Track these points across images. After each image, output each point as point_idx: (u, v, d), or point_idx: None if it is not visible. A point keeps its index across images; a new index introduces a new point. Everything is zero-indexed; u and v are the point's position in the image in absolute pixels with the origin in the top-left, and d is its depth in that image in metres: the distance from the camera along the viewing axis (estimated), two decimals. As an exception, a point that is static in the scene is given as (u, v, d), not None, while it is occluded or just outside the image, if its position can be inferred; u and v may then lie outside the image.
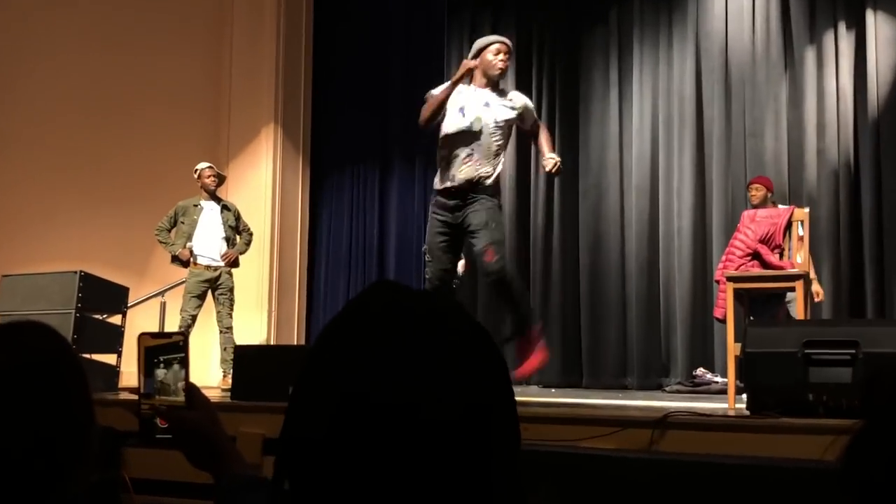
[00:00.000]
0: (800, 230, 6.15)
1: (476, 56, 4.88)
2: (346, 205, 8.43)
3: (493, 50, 4.89)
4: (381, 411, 0.71)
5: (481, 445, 0.73)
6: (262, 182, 8.30)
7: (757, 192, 6.63)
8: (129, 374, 6.74)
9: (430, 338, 0.75)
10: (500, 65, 4.87)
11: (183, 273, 7.09)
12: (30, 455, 1.02)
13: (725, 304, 5.23)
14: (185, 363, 1.23)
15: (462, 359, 0.75)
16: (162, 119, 8.60)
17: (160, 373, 1.23)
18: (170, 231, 7.06)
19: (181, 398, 1.21)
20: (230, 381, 5.89)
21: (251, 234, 7.25)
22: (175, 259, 6.99)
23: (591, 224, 8.78)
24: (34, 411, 1.05)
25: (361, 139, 8.40)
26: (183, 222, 7.03)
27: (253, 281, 8.01)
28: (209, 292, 6.96)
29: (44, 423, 1.05)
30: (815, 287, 6.59)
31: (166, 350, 1.23)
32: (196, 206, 7.07)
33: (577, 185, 8.91)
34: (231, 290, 7.02)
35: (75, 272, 6.18)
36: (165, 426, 1.21)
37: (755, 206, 6.57)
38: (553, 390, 7.90)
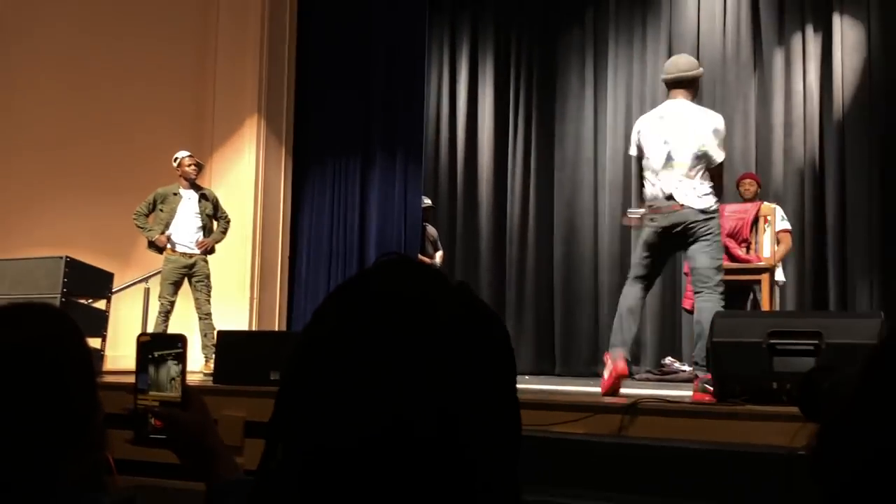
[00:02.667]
0: (781, 222, 6.18)
1: None
2: (327, 197, 8.30)
3: None
4: (366, 405, 0.67)
5: (473, 443, 0.68)
6: (245, 172, 8.14)
7: (750, 187, 6.68)
8: (114, 359, 6.69)
9: (426, 324, 0.70)
10: None
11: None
12: (30, 437, 1.00)
13: (694, 295, 5.24)
14: (181, 360, 1.20)
15: (460, 351, 0.69)
16: (146, 108, 8.42)
17: (157, 368, 1.20)
18: (147, 216, 6.97)
19: (175, 394, 1.18)
20: (212, 365, 5.90)
21: (228, 222, 7.15)
22: (151, 245, 6.92)
23: (566, 217, 8.79)
24: (37, 393, 1.02)
25: (343, 132, 8.24)
26: (161, 209, 6.93)
27: (236, 269, 7.89)
28: (186, 279, 6.89)
29: (46, 405, 1.02)
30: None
31: (162, 345, 1.20)
32: (175, 194, 6.97)
33: (552, 179, 8.92)
34: (207, 276, 6.93)
35: (61, 257, 6.10)
36: (160, 426, 1.18)
37: (748, 200, 6.59)
38: (526, 377, 7.83)
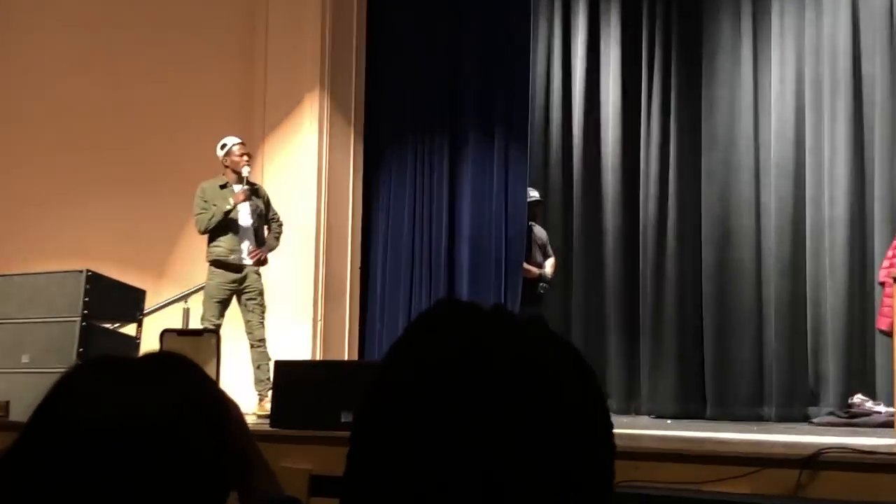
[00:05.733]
0: None
1: None
2: (407, 190, 8.46)
3: None
4: (454, 470, 0.77)
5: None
6: (305, 161, 8.26)
7: None
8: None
9: (504, 382, 0.80)
10: None
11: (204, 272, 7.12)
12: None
13: (892, 312, 5.13)
14: (216, 361, 1.17)
15: (540, 405, 0.80)
16: (182, 84, 8.64)
17: None
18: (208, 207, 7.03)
19: None
20: (268, 405, 5.98)
21: (281, 226, 7.30)
22: (227, 213, 6.91)
23: (718, 213, 8.70)
24: (191, 453, 1.08)
25: (427, 108, 8.39)
26: (214, 204, 7.00)
27: (295, 283, 8.01)
28: (235, 297, 7.00)
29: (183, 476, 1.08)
30: None
31: (194, 348, 1.20)
32: (223, 187, 7.05)
33: (699, 165, 8.83)
34: (261, 293, 7.05)
35: (80, 271, 6.20)
36: None
37: None
38: (669, 422, 7.83)
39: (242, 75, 8.62)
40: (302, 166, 8.30)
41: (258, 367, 6.91)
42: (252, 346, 6.97)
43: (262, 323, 7.03)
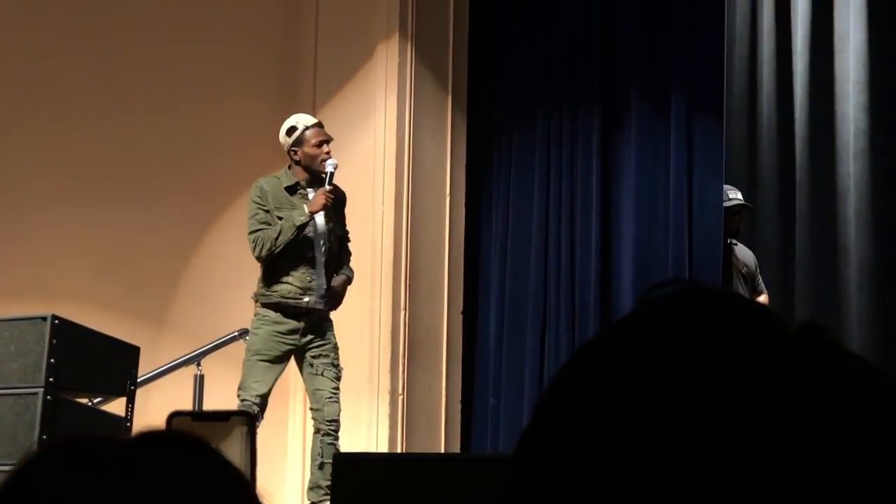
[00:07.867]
0: None
1: None
2: (536, 191, 8.36)
3: None
4: None
5: None
6: (374, 147, 8.35)
7: None
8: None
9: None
10: None
11: (236, 321, 7.28)
12: None
13: None
14: (249, 460, 1.58)
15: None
16: (189, 40, 8.75)
17: None
18: (269, 224, 7.10)
19: None
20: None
21: (349, 251, 7.53)
22: (304, 226, 6.98)
23: None
24: None
25: (565, 65, 8.33)
26: (280, 216, 7.06)
27: (361, 338, 8.15)
28: (293, 357, 7.15)
29: None
30: None
31: (213, 439, 1.39)
32: (293, 190, 7.10)
33: None
34: (335, 349, 7.14)
35: (44, 318, 6.16)
36: None
37: None
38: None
39: (281, 17, 8.71)
40: (370, 154, 8.44)
41: (320, 466, 6.93)
42: (317, 431, 7.08)
43: (334, 394, 7.08)
